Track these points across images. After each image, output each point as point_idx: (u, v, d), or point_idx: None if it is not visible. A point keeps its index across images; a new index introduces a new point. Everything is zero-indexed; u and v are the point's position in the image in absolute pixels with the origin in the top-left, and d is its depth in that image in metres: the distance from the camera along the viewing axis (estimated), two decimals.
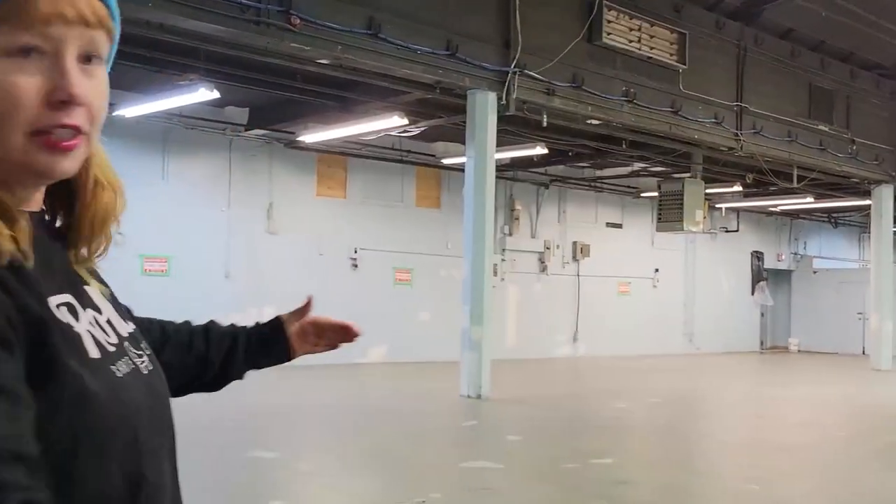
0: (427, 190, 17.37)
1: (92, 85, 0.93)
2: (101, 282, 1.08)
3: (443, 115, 13.01)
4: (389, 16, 10.01)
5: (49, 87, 0.89)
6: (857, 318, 23.09)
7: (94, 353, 0.94)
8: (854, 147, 16.73)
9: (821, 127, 16.07)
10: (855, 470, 8.18)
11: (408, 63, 10.37)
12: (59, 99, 0.90)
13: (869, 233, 19.70)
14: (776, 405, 13.10)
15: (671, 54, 13.07)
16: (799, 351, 24.50)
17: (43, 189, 1.00)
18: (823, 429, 10.72)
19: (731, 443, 9.78)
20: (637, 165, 17.78)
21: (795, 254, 25.84)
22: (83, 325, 0.95)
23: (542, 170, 18.02)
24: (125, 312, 1.11)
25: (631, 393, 13.18)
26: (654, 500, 6.71)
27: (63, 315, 0.93)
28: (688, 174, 16.08)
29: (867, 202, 18.89)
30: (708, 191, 17.01)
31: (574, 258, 19.61)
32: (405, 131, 14.26)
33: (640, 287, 20.91)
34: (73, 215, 1.03)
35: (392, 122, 12.82)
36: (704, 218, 16.20)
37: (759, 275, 24.40)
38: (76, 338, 0.93)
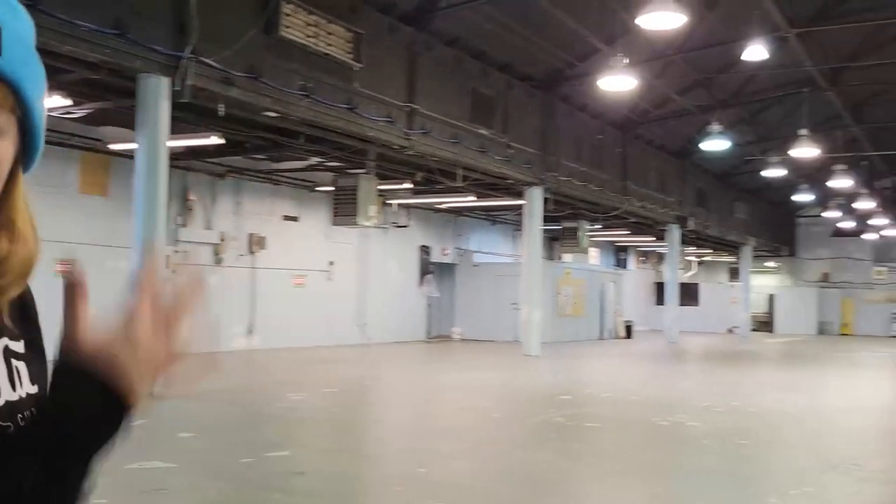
0: (93, 176, 16.28)
1: None
2: (17, 335, 0.99)
3: (111, 97, 12.27)
4: None
5: None
6: (511, 308, 25.16)
7: None
8: (510, 151, 18.20)
9: (482, 131, 17.29)
10: (510, 448, 8.95)
11: (71, 39, 9.66)
12: None
13: (521, 230, 21.48)
14: (440, 391, 13.92)
15: (348, 52, 13.37)
16: (461, 339, 26.20)
17: None
18: (482, 412, 11.59)
19: (400, 428, 10.26)
20: (314, 160, 17.98)
21: (459, 248, 27.56)
22: None
23: (218, 160, 17.62)
24: (30, 374, 0.99)
25: (306, 384, 13.34)
26: (327, 488, 6.88)
27: None
28: (362, 170, 16.58)
29: (521, 202, 20.60)
30: (381, 187, 17.68)
31: (250, 250, 19.42)
32: (68, 112, 13.26)
33: (315, 279, 21.18)
34: None
35: (52, 102, 11.87)
36: (378, 213, 16.80)
37: (427, 268, 25.75)
38: None
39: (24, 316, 1.03)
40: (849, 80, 22.14)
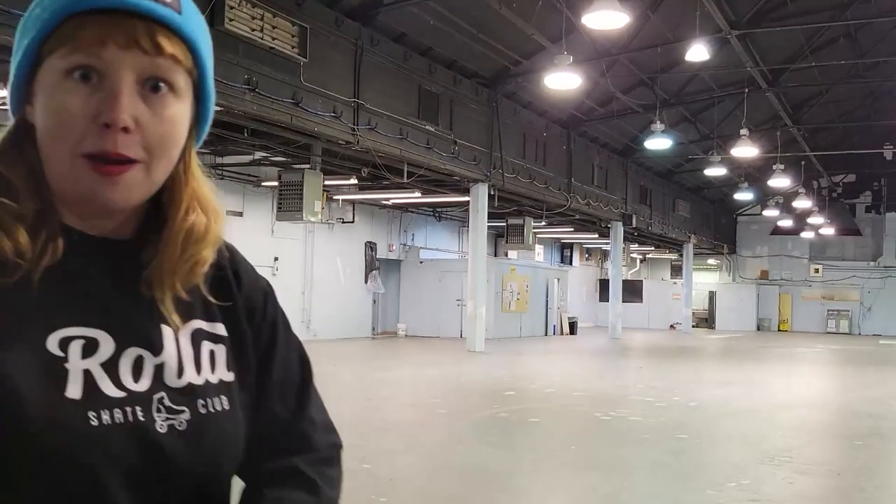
0: None
1: (151, 112, 0.89)
2: (215, 316, 1.01)
3: None
4: None
5: (96, 110, 0.87)
6: (457, 305, 25.25)
7: (73, 393, 0.87)
8: (456, 147, 18.24)
9: (428, 127, 17.30)
10: (454, 443, 8.99)
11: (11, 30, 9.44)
12: (103, 122, 0.87)
13: (467, 226, 21.57)
14: (385, 387, 13.91)
15: (293, 46, 13.26)
16: (406, 335, 26.20)
17: (132, 217, 0.96)
18: (426, 407, 11.62)
19: (343, 424, 10.17)
20: (258, 154, 17.81)
21: (404, 245, 27.56)
22: (87, 363, 0.89)
23: None
24: (227, 359, 1.00)
25: None
26: None
27: (56, 349, 0.87)
28: (308, 165, 16.46)
29: (466, 199, 20.67)
30: (326, 182, 17.57)
31: None
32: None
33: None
34: (160, 245, 0.96)
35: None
36: (323, 208, 16.71)
37: (373, 264, 25.69)
38: (60, 372, 0.87)
39: (220, 286, 1.03)
40: (788, 81, 22.65)
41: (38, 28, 0.89)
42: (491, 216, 20.99)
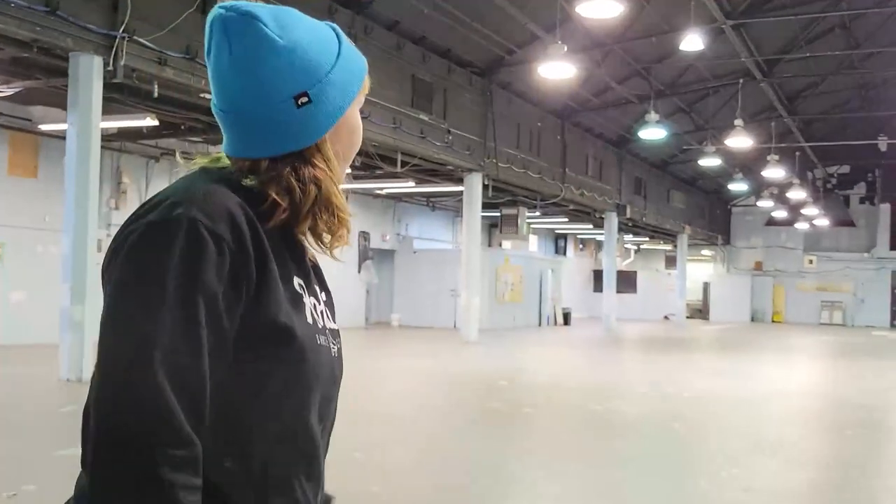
0: (22, 157, 15.83)
1: None
2: (323, 285, 1.41)
3: (41, 76, 11.94)
4: None
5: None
6: (450, 295, 25.24)
7: (310, 319, 1.30)
8: (450, 137, 18.20)
9: (422, 116, 17.26)
10: (447, 434, 8.99)
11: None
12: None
13: (461, 216, 21.56)
14: (378, 377, 13.89)
15: None
16: (400, 326, 26.19)
17: None
18: (419, 398, 11.61)
19: (338, 414, 10.20)
20: None
21: (398, 234, 27.52)
22: (310, 301, 1.32)
23: (152, 142, 17.28)
24: (331, 315, 1.41)
25: None
26: None
27: (298, 288, 1.30)
28: None
29: (460, 188, 20.65)
30: None
31: None
32: None
33: None
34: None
35: None
36: None
37: (366, 254, 25.65)
38: (302, 306, 1.29)
39: (319, 268, 1.43)
40: (783, 72, 22.64)
41: (355, 85, 1.38)
42: (485, 206, 20.97)
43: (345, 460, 7.38)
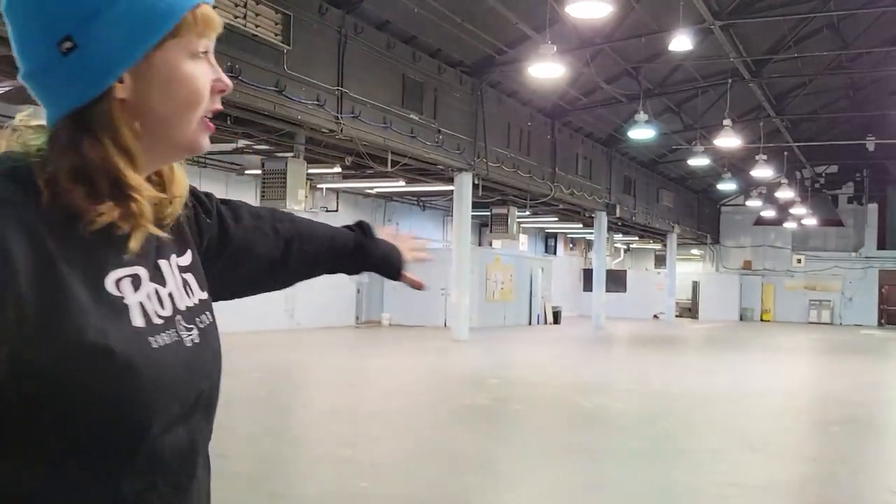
0: None
1: None
2: (183, 249, 1.21)
3: None
4: None
5: (214, 81, 1.13)
6: (441, 294, 25.27)
7: (138, 322, 1.05)
8: (440, 136, 18.24)
9: (412, 116, 17.29)
10: (437, 430, 9.03)
11: None
12: (221, 89, 1.14)
13: (451, 216, 21.58)
14: (368, 375, 13.95)
15: (276, 34, 13.22)
16: (391, 325, 26.22)
17: None
18: (409, 395, 11.66)
19: (326, 412, 10.26)
20: (241, 142, 17.75)
21: None
22: (138, 296, 1.07)
23: None
24: (198, 282, 1.21)
25: (232, 369, 13.17)
26: (251, 470, 6.85)
27: (113, 288, 1.05)
28: (291, 154, 16.42)
29: (450, 188, 20.68)
30: (310, 171, 17.53)
31: None
32: None
33: None
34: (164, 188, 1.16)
35: None
36: (307, 197, 16.68)
37: None
38: (122, 308, 1.04)
39: (181, 228, 1.22)
40: (771, 72, 22.75)
41: (156, 21, 1.06)
42: (475, 205, 21.01)
43: (335, 456, 7.42)
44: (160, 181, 1.15)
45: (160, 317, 1.08)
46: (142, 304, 1.07)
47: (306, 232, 1.57)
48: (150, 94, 1.07)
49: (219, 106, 1.14)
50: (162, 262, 1.14)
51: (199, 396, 1.13)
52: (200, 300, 1.18)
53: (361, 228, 1.71)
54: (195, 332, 1.13)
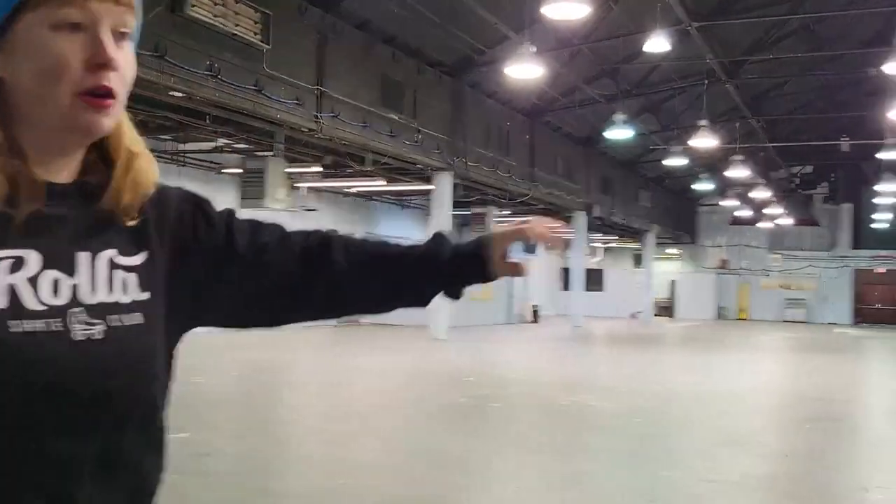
0: None
1: (123, 56, 1.07)
2: (143, 248, 1.14)
3: None
4: None
5: (89, 54, 1.03)
6: None
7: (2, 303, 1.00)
8: (420, 136, 18.28)
9: (392, 115, 17.31)
10: (417, 428, 9.09)
11: None
12: (98, 62, 1.03)
13: (431, 215, 21.57)
14: (348, 374, 13.96)
15: (255, 33, 13.20)
16: (370, 323, 26.20)
17: (75, 162, 1.10)
18: (390, 394, 11.70)
19: (307, 410, 10.28)
20: (221, 141, 17.72)
21: (369, 233, 27.49)
22: (13, 279, 1.01)
23: None
24: (141, 284, 1.12)
25: (211, 368, 13.19)
26: (236, 468, 6.88)
27: None
28: (271, 153, 16.42)
29: (430, 187, 20.72)
30: (290, 170, 17.55)
31: None
32: None
33: None
34: (110, 183, 1.11)
35: None
36: (286, 196, 16.68)
37: None
38: None
39: (142, 228, 1.15)
40: (747, 73, 22.96)
41: None
42: (455, 205, 21.06)
43: (316, 454, 7.46)
44: (103, 168, 1.12)
45: (44, 304, 1.02)
46: (12, 287, 1.01)
47: (355, 245, 1.40)
48: (20, 70, 1.04)
49: (103, 82, 1.04)
50: (81, 254, 1.07)
51: (102, 399, 1.03)
52: (135, 301, 1.10)
53: (437, 239, 1.41)
54: (99, 328, 1.05)
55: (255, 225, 1.34)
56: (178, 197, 1.24)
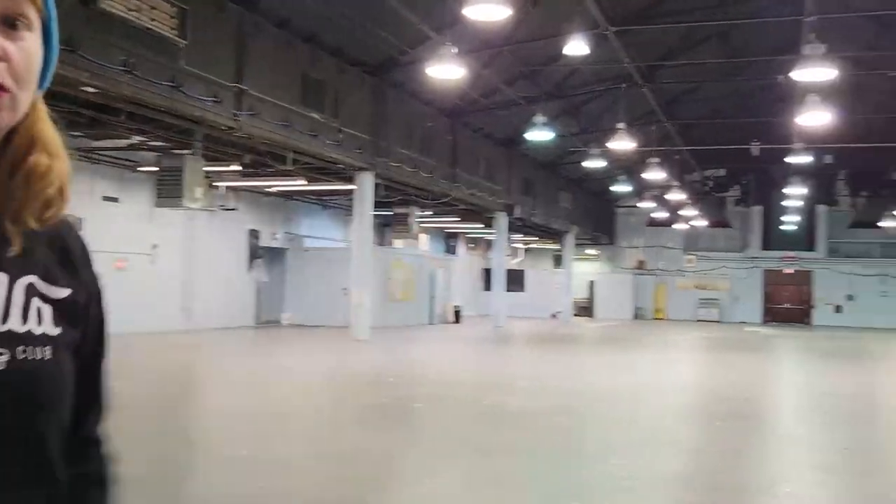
0: None
1: (16, 46, 0.97)
2: (72, 283, 1.06)
3: None
4: None
5: None
6: (342, 294, 25.15)
7: None
8: (341, 136, 18.17)
9: (313, 115, 17.17)
10: (337, 430, 9.02)
11: None
12: None
13: (353, 215, 21.51)
14: (268, 375, 13.79)
15: (172, 28, 12.93)
16: (291, 325, 25.96)
17: None
18: (310, 395, 11.60)
19: (225, 412, 10.11)
20: (136, 138, 17.29)
21: (289, 233, 27.26)
22: None
23: None
24: (56, 319, 1.04)
25: (124, 371, 12.86)
26: (147, 472, 6.71)
27: None
28: (188, 151, 16.10)
29: (352, 187, 20.62)
30: (208, 168, 17.22)
31: None
32: None
33: (137, 262, 20.40)
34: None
35: None
36: (204, 195, 16.38)
37: (256, 252, 25.31)
38: None
39: (66, 261, 1.09)
40: (663, 77, 23.48)
41: None
42: (377, 205, 21.01)
43: (234, 457, 7.34)
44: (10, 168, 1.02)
45: None
46: None
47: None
48: None
49: None
50: None
51: (24, 432, 0.98)
52: (45, 334, 1.02)
53: None
54: (4, 357, 0.97)
55: (102, 369, 1.24)
56: (93, 263, 1.17)
